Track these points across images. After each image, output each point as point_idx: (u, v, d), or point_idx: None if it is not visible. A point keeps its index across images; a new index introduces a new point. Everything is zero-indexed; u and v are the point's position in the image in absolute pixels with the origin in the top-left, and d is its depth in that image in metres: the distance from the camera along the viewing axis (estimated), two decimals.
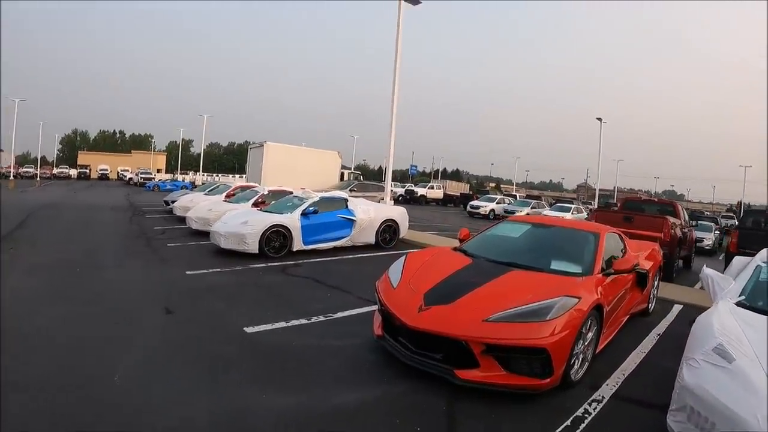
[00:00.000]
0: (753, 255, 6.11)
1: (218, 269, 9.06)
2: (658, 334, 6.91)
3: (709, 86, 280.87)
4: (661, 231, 11.63)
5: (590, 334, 4.91)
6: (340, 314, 6.55)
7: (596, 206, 42.81)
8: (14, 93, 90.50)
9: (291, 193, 13.98)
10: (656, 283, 8.02)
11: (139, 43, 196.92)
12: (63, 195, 32.08)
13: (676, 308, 8.59)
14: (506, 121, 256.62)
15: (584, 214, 32.32)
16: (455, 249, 6.41)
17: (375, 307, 6.74)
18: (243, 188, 17.32)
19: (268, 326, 5.85)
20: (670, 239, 11.66)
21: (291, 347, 5.26)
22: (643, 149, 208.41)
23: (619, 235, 7.00)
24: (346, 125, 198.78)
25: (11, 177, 54.47)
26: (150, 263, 9.54)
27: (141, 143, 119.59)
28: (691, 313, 8.32)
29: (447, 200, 47.84)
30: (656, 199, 17.32)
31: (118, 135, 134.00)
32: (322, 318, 6.35)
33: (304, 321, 6.16)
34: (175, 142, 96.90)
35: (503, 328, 4.32)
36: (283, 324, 5.97)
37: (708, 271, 5.62)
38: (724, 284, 5.23)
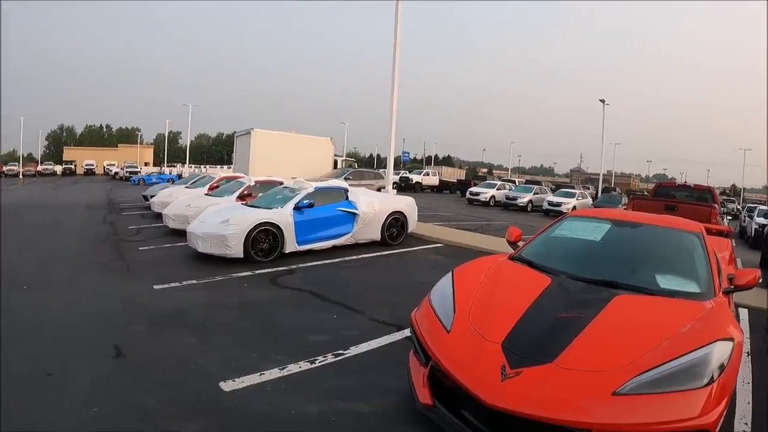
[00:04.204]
0: None
1: (193, 281, 7.32)
2: (747, 353, 5.39)
3: (705, 70, 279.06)
4: (709, 221, 10.17)
5: None
6: (353, 350, 4.79)
7: (600, 191, 41.31)
8: None
9: (281, 183, 12.16)
10: None
11: (125, 33, 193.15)
12: (41, 193, 30.24)
13: (743, 313, 6.99)
14: (498, 106, 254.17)
15: (589, 200, 30.90)
16: (514, 258, 4.63)
17: (398, 335, 5.13)
18: (228, 179, 15.48)
19: (255, 377, 4.09)
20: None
21: (290, 421, 3.49)
22: (635, 133, 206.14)
23: None
24: (335, 112, 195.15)
25: None
26: (113, 275, 7.84)
27: (128, 137, 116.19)
28: (762, 319, 6.98)
29: (443, 187, 46.22)
30: (692, 185, 15.70)
31: (104, 129, 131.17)
32: (329, 358, 4.58)
33: (304, 365, 4.40)
34: (163, 134, 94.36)
35: (646, 405, 2.69)
36: (275, 372, 4.21)
37: None
38: None
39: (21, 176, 61.18)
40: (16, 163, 70.67)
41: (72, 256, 9.27)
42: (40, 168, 73.47)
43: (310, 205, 9.57)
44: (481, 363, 3.02)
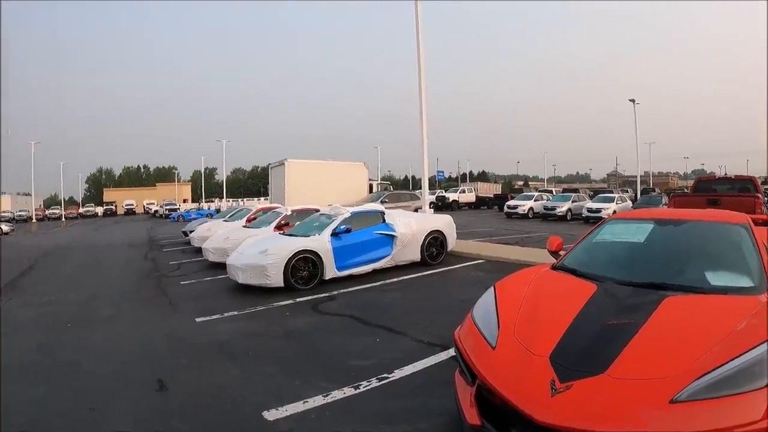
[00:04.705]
0: None
1: (235, 312, 7.33)
2: None
3: (732, 60, 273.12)
4: (753, 211, 9.83)
5: None
6: (397, 373, 4.67)
7: (639, 193, 40.63)
8: (34, 136, 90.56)
9: (317, 211, 12.19)
10: None
11: (155, 76, 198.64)
12: (83, 234, 31.19)
13: None
14: (529, 115, 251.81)
15: (629, 203, 30.28)
16: (556, 268, 4.46)
17: (443, 355, 4.99)
18: (265, 211, 15.66)
19: (299, 405, 4.01)
20: None
21: None
22: (670, 130, 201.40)
23: None
24: (367, 137, 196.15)
25: (33, 220, 54.22)
26: (156, 310, 7.95)
27: (166, 175, 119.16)
28: None
29: (480, 203, 45.90)
30: (733, 176, 15.25)
31: (142, 170, 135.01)
32: (374, 382, 4.47)
33: (349, 391, 4.30)
34: (200, 171, 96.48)
35: (706, 411, 2.49)
36: (320, 399, 4.13)
37: None
38: None
39: (63, 219, 63.17)
40: (59, 207, 73.18)
41: (115, 294, 9.43)
42: (81, 210, 76.22)
43: (348, 231, 9.55)
44: (529, 378, 2.86)
